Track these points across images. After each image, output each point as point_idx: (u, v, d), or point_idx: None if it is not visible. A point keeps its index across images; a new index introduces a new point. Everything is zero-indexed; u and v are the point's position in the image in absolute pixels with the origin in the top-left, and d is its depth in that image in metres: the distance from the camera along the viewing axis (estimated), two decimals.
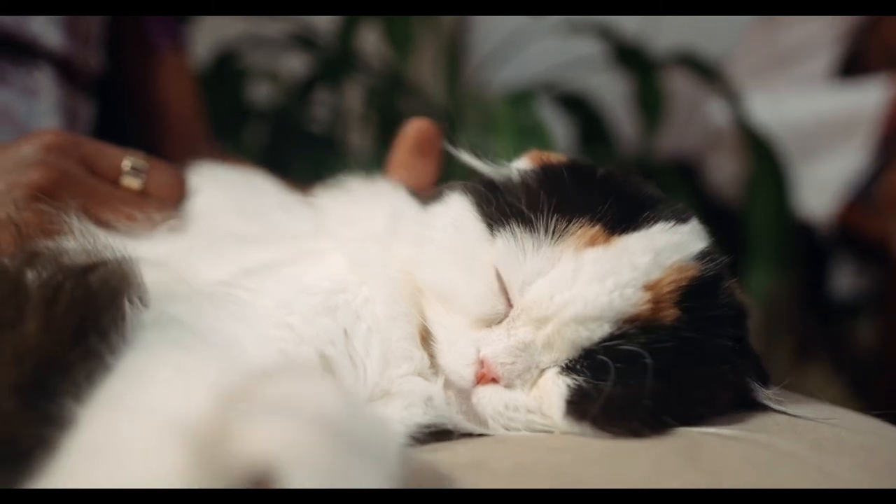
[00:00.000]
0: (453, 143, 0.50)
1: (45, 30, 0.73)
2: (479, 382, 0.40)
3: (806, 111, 1.28)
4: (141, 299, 0.37)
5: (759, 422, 0.40)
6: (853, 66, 1.36)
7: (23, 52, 0.72)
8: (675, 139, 1.44)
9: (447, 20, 1.40)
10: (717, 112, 1.37)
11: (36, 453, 0.29)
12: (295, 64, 1.45)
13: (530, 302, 0.39)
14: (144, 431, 0.27)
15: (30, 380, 0.32)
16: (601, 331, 0.38)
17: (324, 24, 1.39)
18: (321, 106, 1.50)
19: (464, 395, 0.40)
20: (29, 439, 0.30)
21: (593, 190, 0.42)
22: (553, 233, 0.40)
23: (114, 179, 0.54)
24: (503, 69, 1.40)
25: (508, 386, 0.39)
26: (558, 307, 0.38)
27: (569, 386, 0.38)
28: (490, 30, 1.43)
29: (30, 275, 0.35)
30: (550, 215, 0.40)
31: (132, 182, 0.54)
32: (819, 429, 0.39)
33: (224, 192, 0.57)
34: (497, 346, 0.39)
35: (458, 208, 0.44)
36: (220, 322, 0.38)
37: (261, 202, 0.58)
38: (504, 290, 0.40)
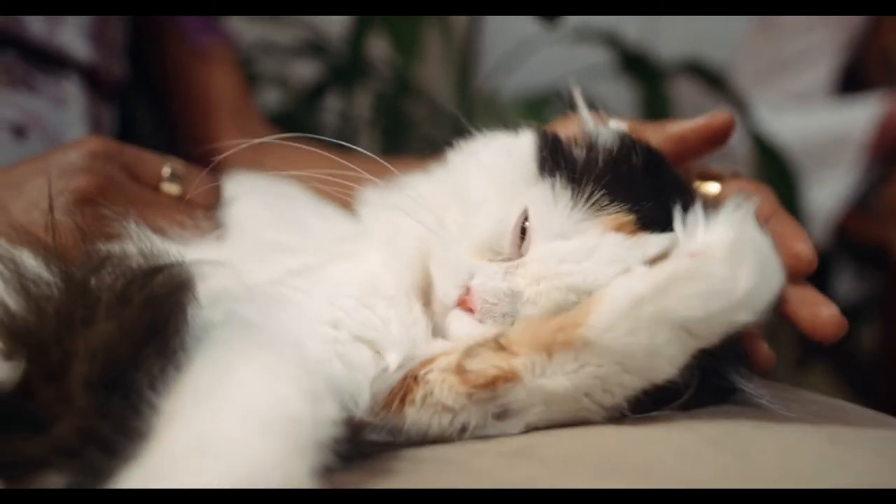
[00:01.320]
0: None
1: (74, 40, 0.75)
2: (458, 305, 0.42)
3: (799, 131, 1.29)
4: (201, 300, 0.39)
5: (775, 414, 0.42)
6: (853, 75, 1.38)
7: (52, 61, 0.74)
8: None
9: (457, 28, 1.42)
10: None
11: (116, 446, 0.31)
12: (306, 71, 1.47)
13: (539, 257, 0.41)
14: (241, 426, 0.28)
15: (101, 376, 0.34)
16: None
17: (335, 29, 1.41)
18: (330, 112, 1.52)
19: (441, 310, 0.43)
20: (106, 432, 0.32)
21: (651, 184, 0.43)
22: (591, 204, 0.41)
23: (154, 185, 0.56)
24: (510, 77, 1.42)
25: (480, 321, 0.41)
26: (560, 274, 0.40)
27: None
28: (498, 38, 1.46)
29: (96, 280, 0.37)
30: (598, 188, 0.42)
31: (171, 188, 0.56)
32: (833, 422, 0.42)
33: (262, 201, 0.59)
34: (488, 282, 0.41)
35: (521, 142, 0.47)
36: (283, 321, 0.40)
37: (297, 210, 0.60)
38: (520, 232, 0.42)
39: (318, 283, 0.45)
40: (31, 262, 0.39)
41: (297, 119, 1.47)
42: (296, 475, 0.28)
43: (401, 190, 0.50)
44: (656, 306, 0.35)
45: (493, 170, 0.46)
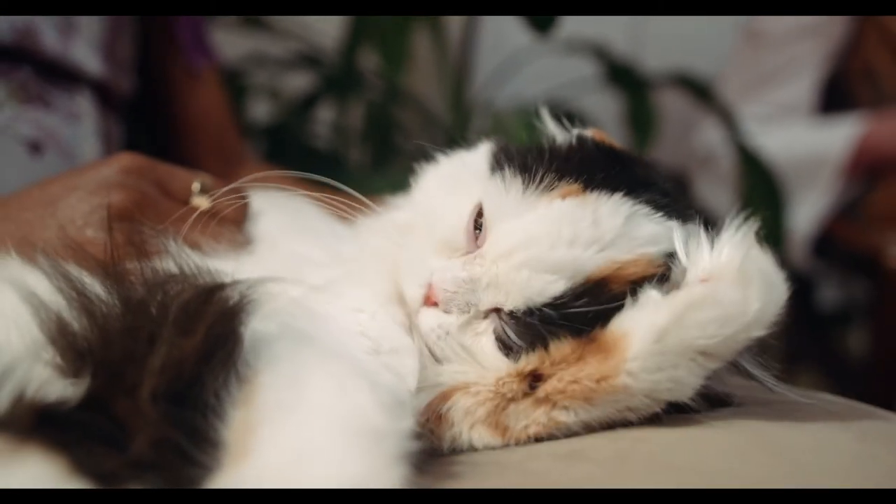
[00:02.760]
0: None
1: (86, 55, 0.76)
2: (425, 304, 0.44)
3: (778, 151, 1.30)
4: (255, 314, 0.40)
5: (800, 413, 0.44)
6: (837, 87, 1.43)
7: (66, 77, 0.74)
8: (668, 156, 1.50)
9: (452, 41, 1.44)
10: (709, 134, 1.41)
11: (191, 456, 0.32)
12: (299, 82, 1.48)
13: (493, 240, 0.43)
14: (334, 440, 0.30)
15: (167, 389, 0.35)
16: (555, 287, 0.40)
17: (329, 41, 1.42)
18: (322, 124, 1.53)
19: (414, 314, 0.44)
20: (180, 442, 0.33)
21: (605, 161, 0.45)
22: (542, 186, 0.43)
23: (185, 200, 0.56)
24: (502, 88, 1.45)
25: (446, 312, 0.43)
26: (512, 247, 0.41)
27: (501, 335, 0.42)
28: (491, 50, 1.48)
29: (157, 297, 0.38)
30: (547, 171, 0.43)
31: (201, 203, 0.57)
32: (859, 420, 0.44)
33: (286, 216, 0.60)
34: (447, 274, 0.43)
35: (478, 152, 0.49)
36: (331, 333, 0.41)
37: (314, 226, 0.62)
38: (473, 227, 0.44)
39: (337, 298, 0.46)
40: (87, 279, 0.40)
41: (290, 130, 1.48)
42: (389, 486, 0.29)
43: (382, 215, 0.53)
44: (678, 337, 0.37)
45: (447, 175, 0.49)
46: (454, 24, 1.46)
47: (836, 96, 1.42)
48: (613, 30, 1.50)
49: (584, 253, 0.40)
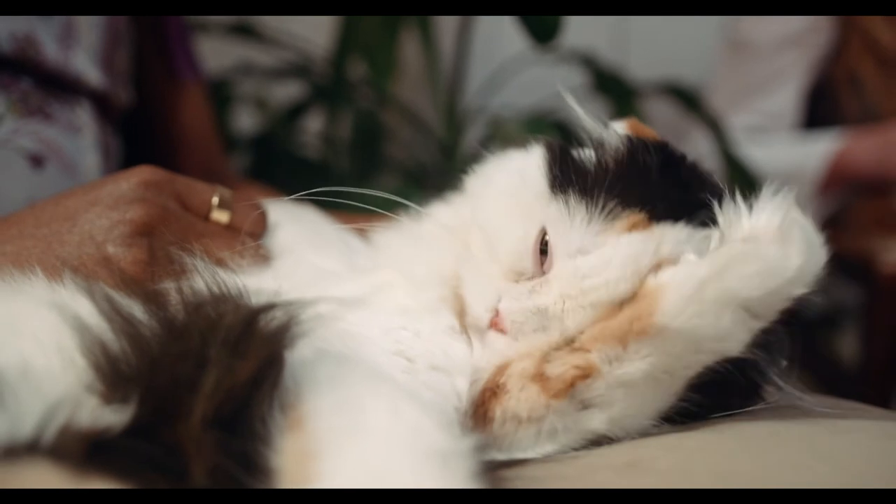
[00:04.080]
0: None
1: (86, 66, 0.74)
2: (491, 327, 0.44)
3: (759, 165, 1.30)
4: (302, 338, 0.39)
5: (843, 421, 0.44)
6: (822, 95, 1.45)
7: (66, 89, 0.73)
8: None
9: (445, 51, 1.44)
10: (699, 145, 1.42)
11: (244, 483, 0.32)
12: (288, 92, 1.47)
13: (562, 275, 0.42)
14: (404, 464, 0.29)
15: (215, 414, 0.34)
16: None
17: (319, 51, 1.41)
18: (310, 133, 1.52)
19: (480, 332, 0.45)
20: (232, 470, 0.32)
21: (664, 181, 0.44)
22: (607, 214, 0.42)
23: (204, 215, 0.55)
24: (491, 98, 1.45)
25: (515, 339, 0.43)
26: (585, 291, 0.41)
27: None
28: (477, 61, 1.48)
29: (200, 319, 0.37)
30: (610, 197, 0.43)
31: (221, 217, 0.56)
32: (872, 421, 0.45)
33: (301, 228, 0.60)
34: (515, 303, 0.43)
35: (531, 159, 0.48)
36: (368, 355, 0.41)
37: (329, 237, 0.61)
38: (539, 251, 0.44)
39: (369, 315, 0.46)
40: (124, 300, 0.39)
41: (278, 140, 1.46)
42: None
43: (423, 220, 0.53)
44: (718, 288, 0.37)
45: (507, 193, 0.48)
46: (445, 32, 1.46)
47: (821, 104, 1.45)
48: (597, 39, 1.51)
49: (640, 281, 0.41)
